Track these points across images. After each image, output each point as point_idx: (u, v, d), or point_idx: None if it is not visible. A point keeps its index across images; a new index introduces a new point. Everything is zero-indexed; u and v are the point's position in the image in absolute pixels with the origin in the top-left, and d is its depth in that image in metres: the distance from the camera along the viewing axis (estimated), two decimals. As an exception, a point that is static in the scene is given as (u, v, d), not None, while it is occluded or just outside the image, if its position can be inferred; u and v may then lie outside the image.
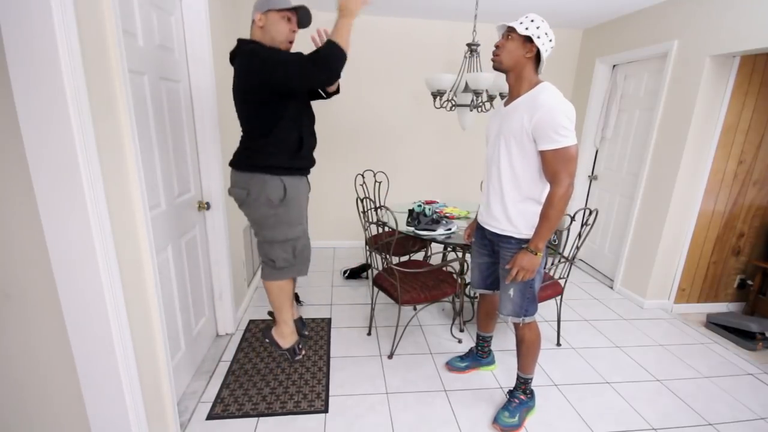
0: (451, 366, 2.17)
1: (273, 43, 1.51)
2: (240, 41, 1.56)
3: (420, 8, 3.23)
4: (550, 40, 1.49)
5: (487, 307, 2.03)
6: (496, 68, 1.57)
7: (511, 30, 1.49)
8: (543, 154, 1.48)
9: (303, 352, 1.89)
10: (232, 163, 1.63)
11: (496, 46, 1.54)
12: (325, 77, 1.45)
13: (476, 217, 1.95)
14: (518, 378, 1.85)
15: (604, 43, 3.45)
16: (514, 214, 1.60)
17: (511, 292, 1.66)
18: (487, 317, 2.06)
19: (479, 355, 2.17)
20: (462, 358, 2.19)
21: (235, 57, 1.57)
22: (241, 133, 1.63)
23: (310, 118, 1.69)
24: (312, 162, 1.71)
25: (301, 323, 2.00)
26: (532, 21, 1.46)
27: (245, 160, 1.58)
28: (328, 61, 1.40)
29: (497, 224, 1.66)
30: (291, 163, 1.59)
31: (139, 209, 1.33)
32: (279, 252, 1.65)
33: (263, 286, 1.72)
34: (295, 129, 1.57)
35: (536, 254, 1.54)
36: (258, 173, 1.55)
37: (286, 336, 1.81)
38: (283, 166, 1.57)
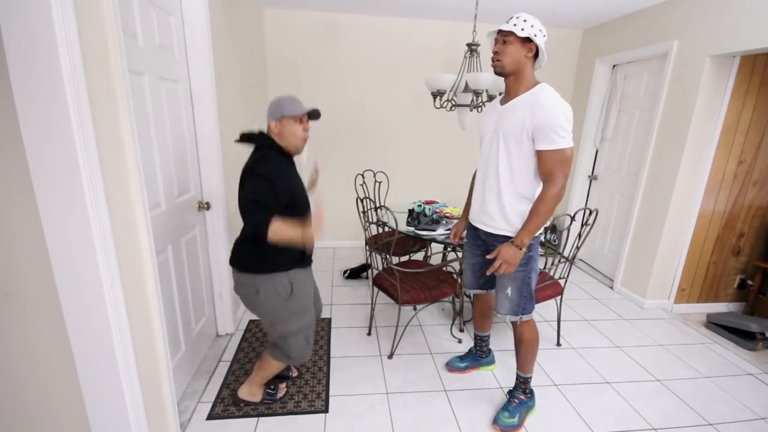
0: (450, 366, 2.17)
1: (289, 145, 1.58)
2: (260, 136, 1.59)
3: (420, 8, 3.23)
4: (544, 35, 1.49)
5: (483, 307, 2.03)
6: (498, 73, 1.57)
7: (507, 34, 1.48)
8: (540, 154, 1.48)
9: (284, 389, 1.93)
10: (234, 264, 1.62)
11: (495, 52, 1.53)
12: (255, 238, 1.47)
13: (463, 216, 1.97)
14: (518, 377, 1.85)
15: (604, 43, 3.46)
16: (511, 213, 1.60)
17: (509, 290, 1.66)
18: (483, 317, 2.06)
19: (478, 355, 2.17)
20: (462, 358, 2.19)
21: (249, 141, 1.60)
22: (242, 229, 1.60)
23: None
24: (308, 259, 1.71)
25: (287, 369, 2.03)
26: (525, 21, 1.46)
27: (250, 262, 1.58)
28: (262, 237, 1.43)
29: (493, 223, 1.66)
30: (296, 260, 1.60)
31: (139, 209, 1.33)
32: (294, 345, 1.67)
33: (263, 356, 1.77)
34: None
35: (520, 249, 1.55)
36: (265, 273, 1.56)
37: (255, 392, 1.85)
38: (289, 263, 1.58)
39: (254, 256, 1.56)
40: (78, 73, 1.02)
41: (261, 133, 1.60)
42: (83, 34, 1.04)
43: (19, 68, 0.97)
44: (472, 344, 2.37)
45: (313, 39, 3.50)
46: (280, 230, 1.44)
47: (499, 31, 1.50)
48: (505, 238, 1.63)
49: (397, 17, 3.51)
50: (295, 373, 2.06)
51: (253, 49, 3.00)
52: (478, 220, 1.75)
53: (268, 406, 1.84)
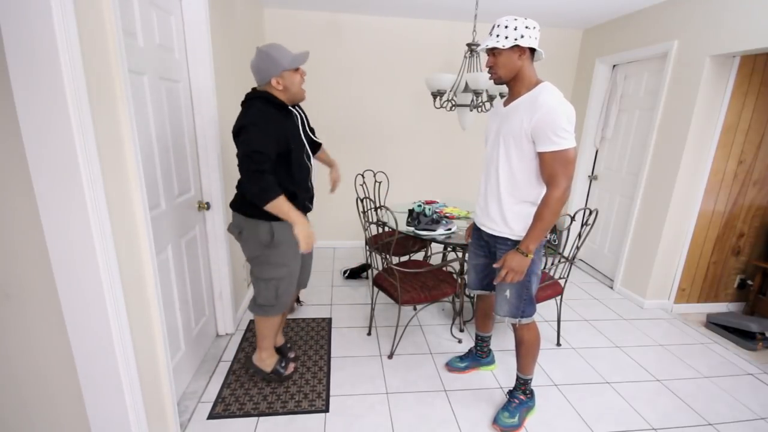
0: (450, 366, 2.17)
1: (294, 98, 1.62)
2: (254, 91, 1.62)
3: (420, 8, 3.23)
4: (534, 28, 1.45)
5: (485, 308, 2.03)
6: (497, 84, 1.57)
7: (494, 48, 1.47)
8: (541, 156, 1.46)
9: (292, 368, 1.97)
10: (231, 204, 1.73)
11: (489, 66, 1.52)
12: (249, 193, 1.54)
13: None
14: (518, 378, 1.85)
15: (604, 43, 3.46)
16: (511, 216, 1.59)
17: (507, 293, 1.65)
18: (485, 317, 2.06)
19: (479, 355, 2.17)
20: (462, 358, 2.19)
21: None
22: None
23: (306, 171, 1.72)
24: (305, 209, 1.76)
25: (286, 347, 2.09)
26: (506, 27, 1.43)
27: (240, 206, 1.67)
28: (260, 198, 1.51)
29: (494, 225, 1.66)
30: None
31: (139, 209, 1.33)
32: (263, 290, 1.75)
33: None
34: (286, 183, 1.61)
35: (526, 255, 1.52)
36: (250, 218, 1.64)
37: (265, 360, 1.92)
38: (273, 215, 1.59)
39: (244, 198, 1.63)
40: (78, 73, 1.02)
41: (253, 89, 1.62)
42: (83, 34, 1.04)
43: (19, 68, 0.97)
44: (472, 344, 2.37)
45: (313, 39, 3.50)
46: (280, 206, 1.50)
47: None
48: (506, 241, 1.63)
49: (397, 17, 3.51)
50: (292, 354, 2.10)
51: (253, 49, 2.99)
52: (480, 221, 1.75)
53: (268, 405, 1.83)
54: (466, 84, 2.43)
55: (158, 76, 1.64)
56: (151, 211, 1.55)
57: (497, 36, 1.45)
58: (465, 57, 2.52)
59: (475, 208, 1.81)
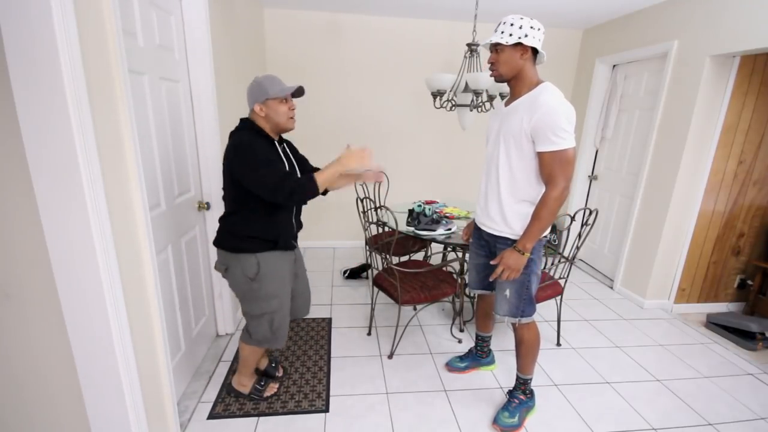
0: (450, 366, 2.17)
1: (277, 127, 1.56)
2: (241, 122, 1.57)
3: (420, 8, 3.23)
4: (539, 29, 1.46)
5: (486, 308, 2.03)
6: (498, 81, 1.56)
7: (496, 44, 1.48)
8: (540, 156, 1.46)
9: (274, 389, 1.92)
10: (214, 242, 1.65)
11: (491, 62, 1.52)
12: (292, 203, 1.51)
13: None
14: (517, 378, 1.85)
15: (604, 43, 3.45)
16: (511, 215, 1.59)
17: (507, 292, 1.66)
18: (486, 317, 2.06)
19: (479, 355, 2.17)
20: (462, 358, 2.19)
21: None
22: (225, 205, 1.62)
23: (289, 207, 1.64)
24: (288, 247, 1.67)
25: (271, 367, 2.02)
26: (511, 25, 1.44)
27: (224, 241, 1.61)
28: (303, 193, 1.45)
29: (494, 225, 1.66)
30: (269, 243, 1.59)
31: (139, 209, 1.33)
32: (255, 327, 1.69)
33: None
34: (263, 224, 1.56)
35: (523, 254, 1.54)
36: (234, 252, 1.58)
37: (245, 383, 1.87)
38: (257, 248, 1.57)
39: (226, 233, 1.59)
40: (78, 73, 1.02)
41: (241, 119, 1.58)
42: (83, 34, 1.04)
43: (19, 68, 0.97)
44: (472, 344, 2.37)
45: (313, 39, 3.50)
46: (326, 178, 1.48)
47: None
48: (506, 240, 1.63)
49: (397, 17, 3.51)
50: (280, 373, 2.04)
51: (253, 49, 3.00)
52: (480, 221, 1.75)
53: (268, 405, 1.83)
54: (466, 84, 2.43)
55: (158, 76, 1.64)
56: (151, 211, 1.55)
57: (501, 33, 1.45)
58: (465, 57, 2.52)
59: (476, 208, 1.82)
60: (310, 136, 3.74)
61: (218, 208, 2.19)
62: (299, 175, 1.55)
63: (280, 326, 1.70)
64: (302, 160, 1.74)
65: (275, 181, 1.42)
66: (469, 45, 2.47)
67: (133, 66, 1.39)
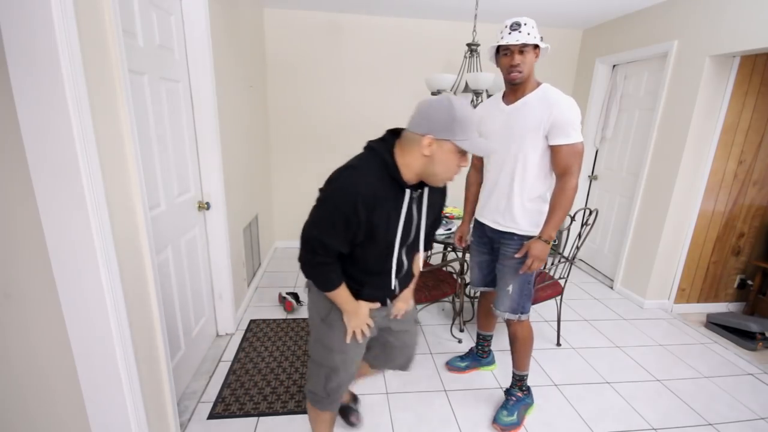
0: (451, 366, 2.17)
1: (429, 177, 1.12)
2: (381, 141, 1.19)
3: (420, 8, 3.23)
4: (541, 37, 1.53)
5: (488, 306, 2.03)
6: (517, 83, 1.55)
7: (525, 45, 1.48)
8: (557, 149, 1.52)
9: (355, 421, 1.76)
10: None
11: (516, 64, 1.49)
12: (301, 262, 1.17)
13: (466, 219, 1.96)
14: (514, 376, 1.86)
15: (604, 43, 3.45)
16: (519, 212, 1.63)
17: (510, 288, 1.68)
18: (488, 316, 2.06)
19: (479, 355, 2.17)
20: (462, 357, 2.19)
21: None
22: None
23: (386, 269, 1.24)
24: (383, 298, 1.30)
25: (353, 400, 1.86)
26: (533, 27, 1.48)
27: None
28: (315, 281, 1.21)
29: (501, 221, 1.68)
30: (349, 289, 1.25)
31: (139, 209, 1.33)
32: (313, 374, 1.38)
33: None
34: (366, 263, 1.22)
35: (548, 243, 1.58)
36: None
37: None
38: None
39: None
40: (78, 73, 1.02)
41: (389, 132, 1.20)
42: (83, 34, 1.04)
43: (19, 68, 0.97)
44: (472, 344, 2.37)
45: (314, 39, 3.50)
46: (336, 296, 1.21)
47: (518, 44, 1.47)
48: (512, 236, 1.66)
49: (397, 17, 3.51)
50: (354, 404, 1.84)
51: (253, 49, 3.00)
52: (485, 218, 1.77)
53: (268, 405, 1.83)
54: (466, 84, 2.43)
55: (158, 76, 1.63)
56: (151, 211, 1.55)
57: (528, 33, 1.47)
58: (465, 57, 2.52)
59: (478, 206, 1.83)
60: (310, 136, 3.74)
61: (218, 208, 2.19)
62: (421, 235, 1.23)
63: (336, 389, 1.36)
64: (435, 222, 1.33)
65: (310, 248, 1.13)
66: (469, 45, 2.47)
67: (133, 66, 1.39)
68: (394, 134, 1.18)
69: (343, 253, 1.16)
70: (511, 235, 1.66)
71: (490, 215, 1.73)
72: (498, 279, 1.74)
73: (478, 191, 1.87)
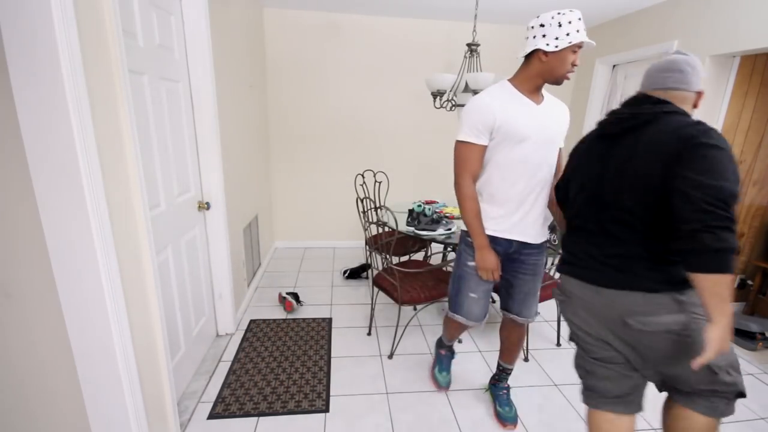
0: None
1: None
2: (666, 103, 1.13)
3: (420, 8, 3.23)
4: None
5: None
6: (560, 83, 1.44)
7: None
8: (560, 151, 1.59)
9: None
10: (634, 284, 1.12)
11: (577, 64, 1.38)
12: (723, 236, 0.92)
13: (486, 242, 1.54)
14: (504, 369, 1.88)
15: (604, 43, 3.45)
16: (546, 217, 1.61)
17: (538, 292, 1.74)
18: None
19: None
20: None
21: (637, 124, 1.15)
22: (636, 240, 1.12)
23: None
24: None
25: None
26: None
27: (637, 277, 1.12)
28: (732, 249, 0.93)
29: (541, 231, 1.59)
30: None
31: (139, 209, 1.33)
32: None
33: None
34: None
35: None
36: (654, 293, 1.11)
37: None
38: (679, 281, 1.09)
39: (641, 262, 1.10)
40: (78, 73, 1.02)
41: (662, 102, 1.13)
42: (83, 34, 1.04)
43: (19, 68, 0.97)
44: (472, 344, 2.37)
45: (313, 39, 3.50)
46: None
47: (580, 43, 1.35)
48: (541, 246, 1.63)
49: (397, 17, 3.51)
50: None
51: (252, 49, 3.00)
52: (526, 233, 1.56)
53: (268, 405, 1.83)
54: (466, 84, 2.43)
55: (158, 76, 1.64)
56: (151, 211, 1.55)
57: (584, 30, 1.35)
58: (465, 57, 2.52)
59: (500, 221, 1.54)
60: (310, 136, 3.74)
61: (218, 208, 2.19)
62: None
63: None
64: None
65: (722, 221, 0.93)
66: (469, 45, 2.47)
67: (133, 66, 1.39)
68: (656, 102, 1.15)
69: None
70: (540, 245, 1.64)
71: (531, 229, 1.54)
72: (520, 290, 1.67)
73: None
